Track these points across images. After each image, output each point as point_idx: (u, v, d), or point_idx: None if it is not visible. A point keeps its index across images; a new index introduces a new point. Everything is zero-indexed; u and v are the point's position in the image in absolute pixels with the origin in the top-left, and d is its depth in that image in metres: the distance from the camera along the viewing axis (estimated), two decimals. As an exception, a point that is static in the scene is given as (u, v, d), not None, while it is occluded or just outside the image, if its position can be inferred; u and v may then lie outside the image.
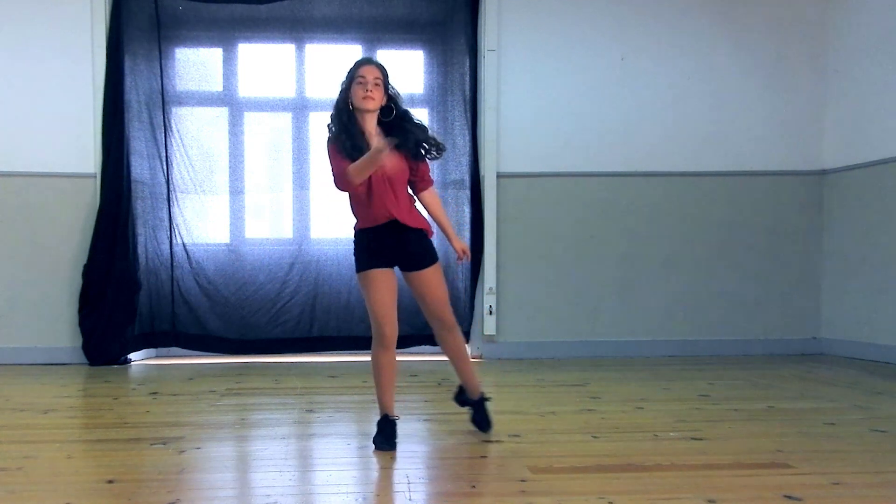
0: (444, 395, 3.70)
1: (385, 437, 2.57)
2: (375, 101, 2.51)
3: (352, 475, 2.31)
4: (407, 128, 2.55)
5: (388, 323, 2.56)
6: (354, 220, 2.67)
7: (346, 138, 2.51)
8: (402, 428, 2.87)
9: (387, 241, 2.60)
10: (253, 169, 5.09)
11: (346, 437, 2.75)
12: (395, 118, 2.59)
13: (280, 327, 4.92)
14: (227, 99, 5.05)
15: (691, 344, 5.10)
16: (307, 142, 5.04)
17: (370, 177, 2.51)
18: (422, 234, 2.66)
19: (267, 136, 5.17)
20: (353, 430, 2.89)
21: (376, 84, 2.52)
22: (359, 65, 2.56)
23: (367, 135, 2.53)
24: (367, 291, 2.59)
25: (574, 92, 5.08)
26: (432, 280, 2.64)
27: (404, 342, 4.99)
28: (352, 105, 2.54)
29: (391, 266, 2.62)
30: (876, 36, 4.84)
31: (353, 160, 2.46)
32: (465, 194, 5.02)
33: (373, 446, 2.57)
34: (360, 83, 2.51)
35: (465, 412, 3.25)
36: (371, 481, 2.25)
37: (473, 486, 2.14)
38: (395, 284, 2.63)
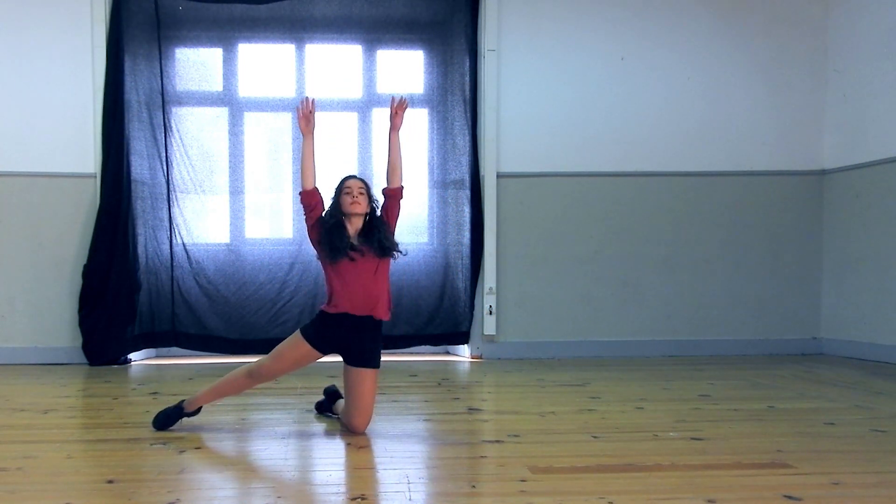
0: (444, 395, 3.71)
1: (168, 419, 2.85)
2: (362, 206, 2.81)
3: (352, 475, 2.31)
4: (373, 233, 2.82)
5: (272, 374, 2.84)
6: (326, 301, 2.80)
7: (326, 231, 2.78)
8: (401, 428, 2.90)
9: (343, 334, 2.74)
10: (253, 169, 5.09)
11: (346, 437, 2.75)
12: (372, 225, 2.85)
13: (280, 327, 4.90)
14: (227, 99, 5.05)
15: (691, 344, 5.11)
16: (307, 142, 5.04)
17: (355, 262, 2.74)
18: (378, 328, 2.80)
19: (267, 136, 5.17)
20: (353, 430, 2.89)
21: (360, 192, 2.81)
22: (344, 179, 2.87)
23: (349, 235, 2.79)
24: (287, 348, 2.78)
25: (574, 92, 5.08)
26: (367, 380, 2.77)
27: (404, 342, 5.04)
28: (342, 212, 2.82)
29: (326, 353, 2.77)
30: (876, 36, 4.85)
31: (321, 243, 2.77)
32: (465, 194, 5.01)
33: (370, 444, 2.57)
34: (348, 193, 2.80)
35: (464, 412, 3.26)
36: (371, 481, 2.25)
37: (473, 486, 2.14)
38: (305, 363, 2.81)
